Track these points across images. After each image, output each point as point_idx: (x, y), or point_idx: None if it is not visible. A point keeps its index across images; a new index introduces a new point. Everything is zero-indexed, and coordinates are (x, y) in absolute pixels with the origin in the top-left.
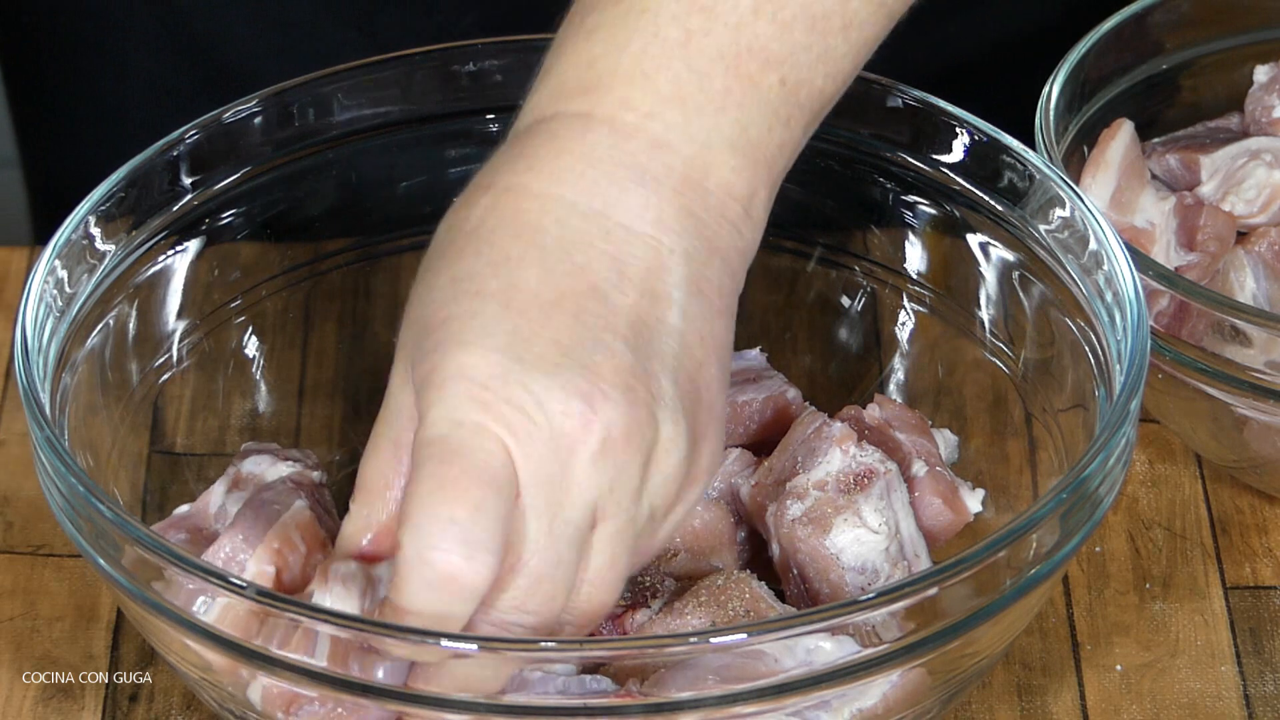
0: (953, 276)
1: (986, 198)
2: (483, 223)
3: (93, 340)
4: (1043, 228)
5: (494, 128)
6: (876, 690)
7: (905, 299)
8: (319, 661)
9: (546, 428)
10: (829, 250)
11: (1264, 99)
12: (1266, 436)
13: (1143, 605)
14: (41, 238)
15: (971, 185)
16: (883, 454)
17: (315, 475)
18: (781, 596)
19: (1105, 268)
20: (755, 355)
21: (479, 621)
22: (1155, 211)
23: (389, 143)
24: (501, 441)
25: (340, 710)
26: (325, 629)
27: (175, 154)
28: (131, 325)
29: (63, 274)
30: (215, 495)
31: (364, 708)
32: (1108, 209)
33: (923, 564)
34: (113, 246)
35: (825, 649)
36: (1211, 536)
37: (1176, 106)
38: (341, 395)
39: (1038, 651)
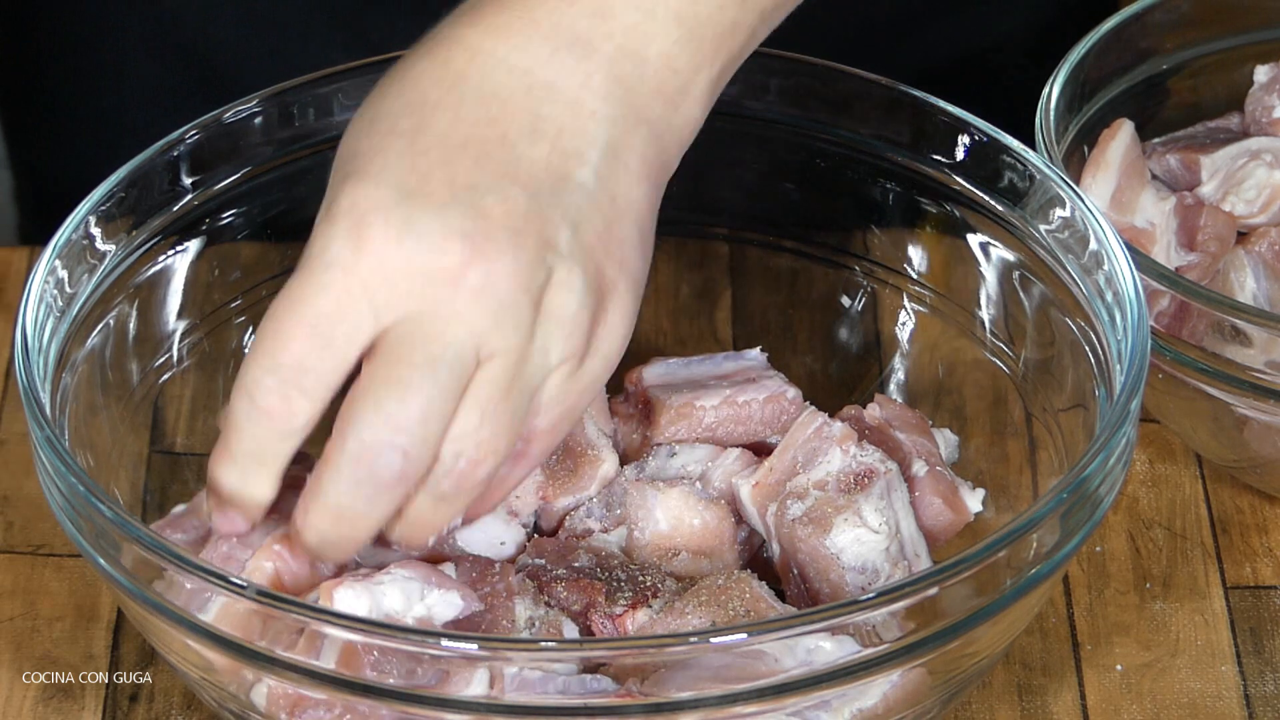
0: (953, 276)
1: (986, 198)
2: (412, 67)
3: (93, 340)
4: (1043, 228)
5: None
6: (877, 690)
7: (905, 299)
8: (324, 663)
9: (422, 264)
10: (829, 250)
11: (1264, 99)
12: (1267, 436)
13: (1143, 605)
14: (28, 239)
15: (971, 185)
16: (883, 454)
17: None
18: (782, 596)
19: (1105, 268)
20: (755, 355)
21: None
22: (1155, 211)
23: None
24: (364, 284)
25: (346, 716)
26: (326, 629)
27: (175, 154)
28: (131, 325)
29: (63, 274)
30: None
31: (371, 710)
32: (1108, 209)
33: (923, 564)
34: (113, 246)
35: (825, 649)
36: (1212, 536)
37: (1176, 106)
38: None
39: (1038, 651)
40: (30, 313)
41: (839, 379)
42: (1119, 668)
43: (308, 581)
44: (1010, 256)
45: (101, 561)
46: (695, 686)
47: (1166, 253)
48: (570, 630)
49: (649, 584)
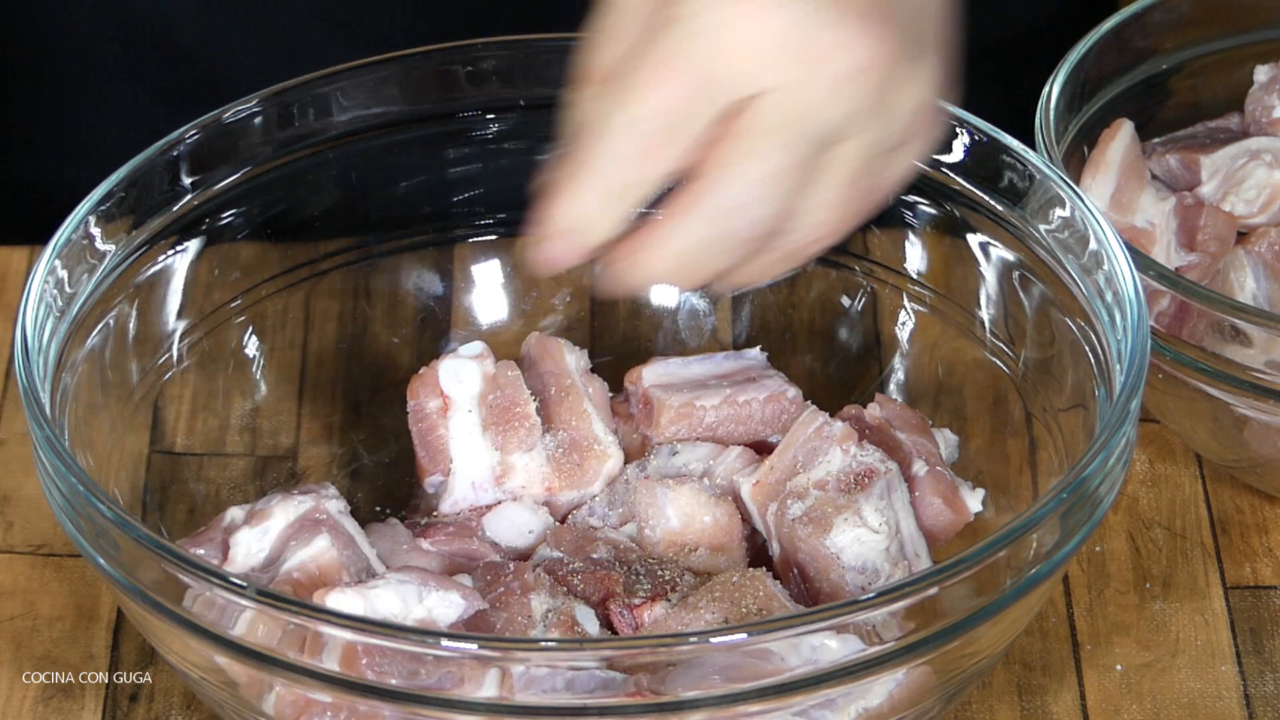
0: (953, 276)
1: (986, 198)
2: None
3: (93, 340)
4: (1043, 228)
5: (494, 127)
6: (882, 689)
7: (905, 299)
8: (329, 665)
9: (797, 38)
10: (829, 250)
11: (1264, 99)
12: (1266, 436)
13: (1143, 605)
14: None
15: (971, 185)
16: (883, 454)
17: (333, 505)
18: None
19: (1105, 268)
20: (755, 355)
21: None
22: (1155, 211)
23: (389, 143)
24: (739, 48)
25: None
26: (326, 630)
27: (175, 154)
28: (131, 325)
29: (63, 274)
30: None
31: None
32: (1108, 209)
33: (923, 564)
34: (113, 246)
35: (831, 648)
36: (1211, 536)
37: (1176, 106)
38: (341, 395)
39: (1038, 651)
40: (30, 313)
41: (839, 379)
42: (1119, 668)
43: None
44: (1010, 256)
45: (101, 561)
46: (702, 684)
47: (1166, 253)
48: (585, 616)
49: (668, 578)
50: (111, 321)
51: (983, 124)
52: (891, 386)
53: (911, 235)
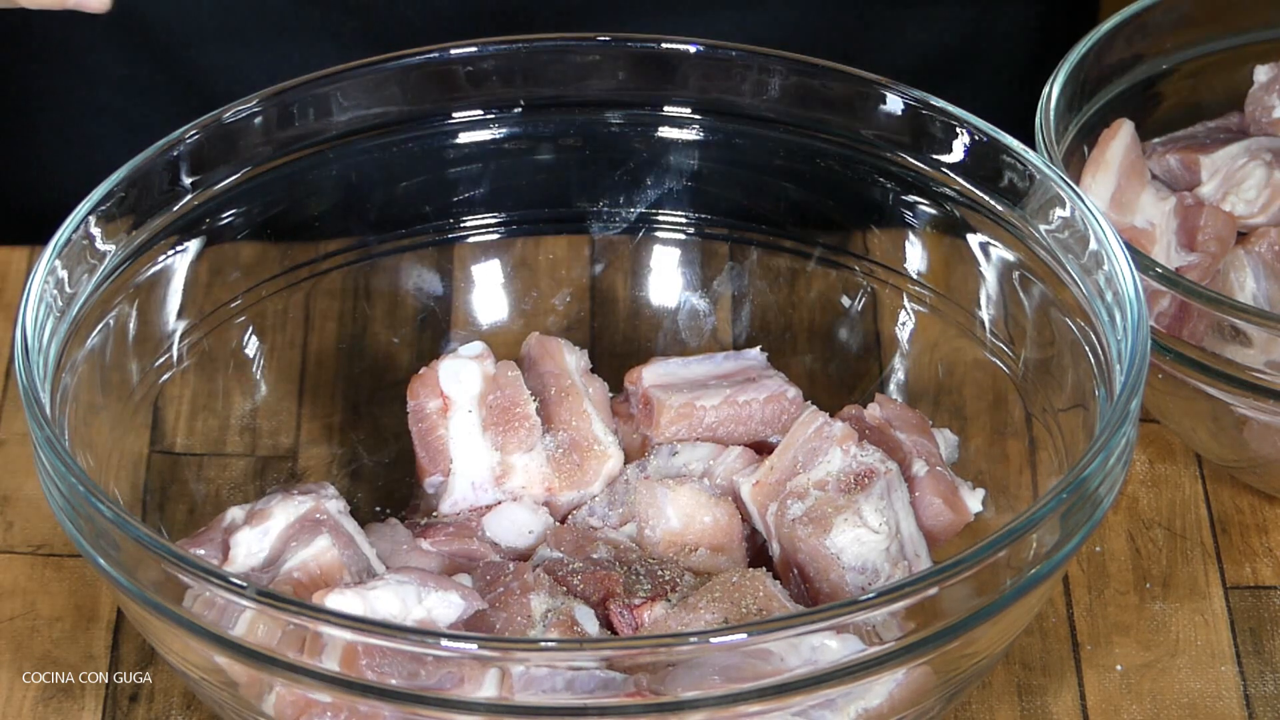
0: (953, 276)
1: (986, 198)
2: None
3: (93, 340)
4: (1043, 228)
5: (492, 127)
6: (882, 689)
7: (905, 299)
8: (329, 665)
9: None
10: (829, 250)
11: (1264, 99)
12: (1266, 436)
13: (1143, 605)
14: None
15: (971, 185)
16: (883, 454)
17: (333, 505)
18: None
19: (1105, 268)
20: (755, 355)
21: None
22: (1155, 211)
23: (389, 143)
24: None
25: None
26: (326, 630)
27: (175, 154)
28: (131, 325)
29: (63, 274)
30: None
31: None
32: (1108, 209)
33: (923, 564)
34: (113, 246)
35: (831, 648)
36: (1211, 536)
37: (1176, 106)
38: (341, 395)
39: (1038, 651)
40: (30, 313)
41: (839, 379)
42: (1119, 668)
43: None
44: (1010, 256)
45: (101, 561)
46: (702, 684)
47: (1166, 253)
48: (585, 615)
49: (667, 578)
50: (111, 322)
51: (983, 124)
52: (891, 386)
53: (911, 235)
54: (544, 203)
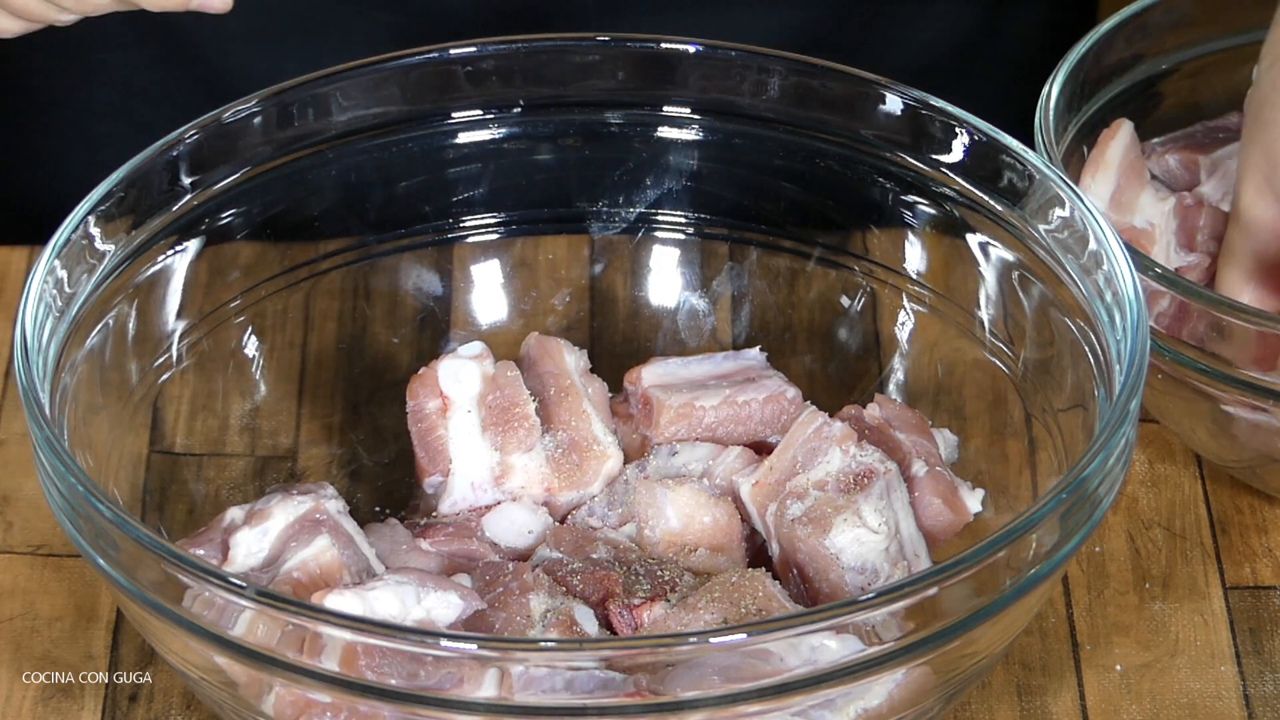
0: (953, 276)
1: (986, 198)
2: None
3: (93, 340)
4: (1043, 228)
5: (492, 127)
6: (881, 689)
7: (905, 299)
8: (328, 665)
9: None
10: (829, 250)
11: None
12: (1258, 435)
13: (1143, 605)
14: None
15: (971, 185)
16: (883, 454)
17: (333, 505)
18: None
19: (1105, 268)
20: (755, 355)
21: None
22: (1155, 211)
23: (389, 143)
24: None
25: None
26: (326, 630)
27: (175, 154)
28: (131, 325)
29: (63, 274)
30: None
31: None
32: (1108, 209)
33: (923, 564)
34: (113, 246)
35: (831, 648)
36: (1211, 536)
37: (1176, 106)
38: (341, 395)
39: (1038, 651)
40: (30, 313)
41: (839, 379)
42: (1118, 668)
43: None
44: (1010, 256)
45: (101, 562)
46: (702, 684)
47: (1166, 253)
48: (584, 616)
49: (667, 578)
50: (111, 321)
51: (982, 124)
52: (891, 386)
53: (911, 235)
54: (543, 203)
